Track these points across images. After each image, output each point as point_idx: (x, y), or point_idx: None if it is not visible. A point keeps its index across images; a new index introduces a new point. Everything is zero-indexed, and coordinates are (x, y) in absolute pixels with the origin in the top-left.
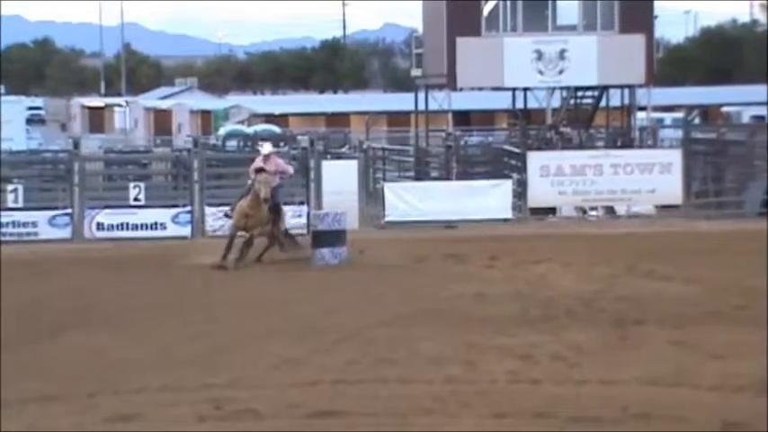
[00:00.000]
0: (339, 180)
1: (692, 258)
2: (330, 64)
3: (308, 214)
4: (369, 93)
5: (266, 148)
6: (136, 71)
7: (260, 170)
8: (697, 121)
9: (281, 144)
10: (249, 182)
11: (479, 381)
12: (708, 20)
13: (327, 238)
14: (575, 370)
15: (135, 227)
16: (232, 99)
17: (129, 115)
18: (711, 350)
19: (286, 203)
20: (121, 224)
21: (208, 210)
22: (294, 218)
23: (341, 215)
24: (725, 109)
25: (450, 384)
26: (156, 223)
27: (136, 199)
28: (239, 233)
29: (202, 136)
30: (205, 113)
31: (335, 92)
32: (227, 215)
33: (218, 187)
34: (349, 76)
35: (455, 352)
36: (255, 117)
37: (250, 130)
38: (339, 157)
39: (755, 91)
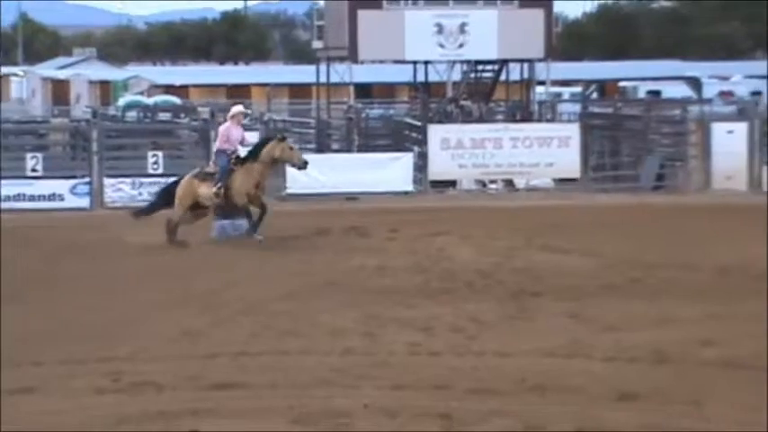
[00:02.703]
0: (240, 152)
1: (589, 231)
2: (231, 35)
3: None
4: (270, 65)
5: (238, 109)
6: (33, 41)
7: (284, 138)
8: (594, 95)
9: (182, 115)
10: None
11: (379, 352)
12: None
13: (228, 210)
14: (473, 342)
15: (32, 198)
16: (131, 70)
17: (26, 85)
18: (606, 322)
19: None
20: (18, 195)
21: (107, 181)
22: None
23: None
24: (621, 84)
25: (349, 356)
26: (53, 194)
27: (33, 170)
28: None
29: (101, 107)
30: (104, 84)
31: (236, 63)
32: (218, 189)
33: (117, 158)
34: (250, 47)
35: (355, 324)
36: (155, 88)
37: (150, 100)
38: None
39: (651, 66)
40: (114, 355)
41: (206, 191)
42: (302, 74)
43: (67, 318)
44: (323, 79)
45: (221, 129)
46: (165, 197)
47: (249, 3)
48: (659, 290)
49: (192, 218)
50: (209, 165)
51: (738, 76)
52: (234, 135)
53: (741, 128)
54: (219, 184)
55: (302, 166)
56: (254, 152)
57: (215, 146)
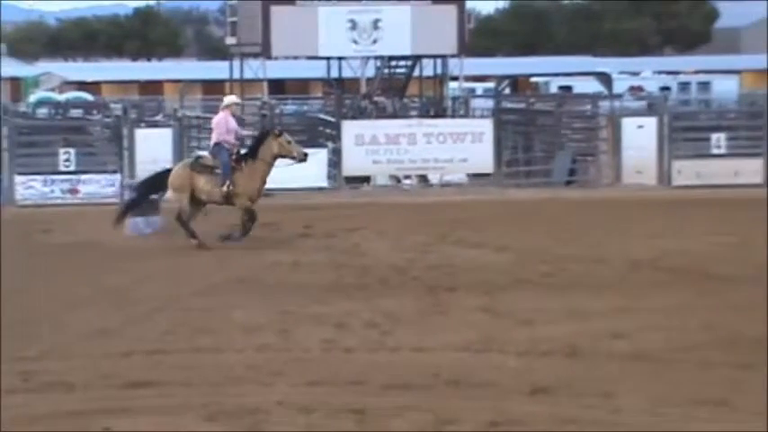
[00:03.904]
0: (153, 149)
1: (502, 226)
2: (143, 31)
3: (122, 183)
4: (183, 61)
5: (232, 99)
6: None
7: (281, 133)
8: (507, 91)
9: (94, 112)
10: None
11: (293, 349)
12: None
13: (141, 207)
14: (388, 337)
15: None
16: (43, 66)
17: None
18: (520, 316)
19: (99, 172)
20: None
21: (18, 178)
22: (107, 187)
23: None
24: (534, 79)
25: (263, 353)
26: None
27: None
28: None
29: (12, 103)
30: (14, 80)
31: (149, 59)
32: (228, 187)
33: (28, 155)
34: (163, 43)
35: (269, 320)
36: (67, 84)
37: (61, 97)
38: (153, 125)
39: (563, 62)
40: (25, 354)
41: (205, 186)
42: (215, 70)
43: None
44: (236, 75)
45: (217, 119)
46: (147, 191)
47: None
48: (571, 284)
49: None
50: (206, 154)
51: (648, 72)
52: (232, 125)
53: (650, 123)
54: (228, 182)
55: (303, 158)
56: (252, 150)
57: (212, 138)
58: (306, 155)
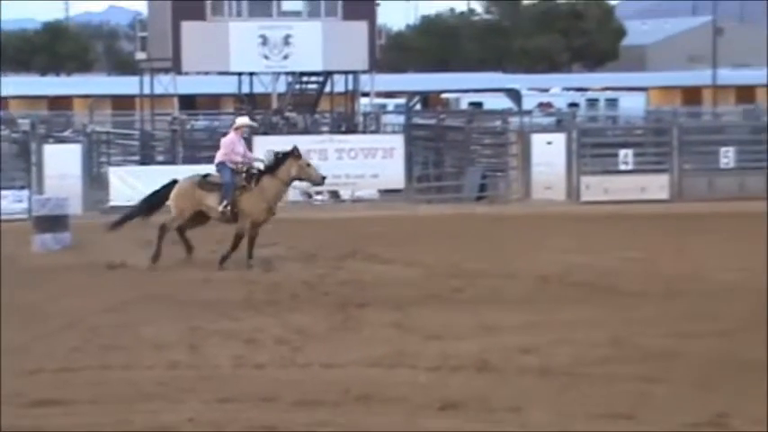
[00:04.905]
0: (62, 164)
1: (413, 242)
2: (52, 46)
3: (30, 199)
4: (92, 76)
5: (244, 121)
6: None
7: (301, 155)
8: (418, 107)
9: (1, 127)
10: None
11: (203, 366)
12: (428, 9)
13: (49, 223)
14: (298, 353)
15: None
16: None
17: None
18: (430, 331)
19: (7, 188)
20: None
21: None
22: (15, 203)
23: (63, 200)
24: (444, 95)
25: (173, 370)
26: None
27: None
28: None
29: None
30: None
31: (58, 74)
32: (225, 207)
33: None
34: (72, 58)
35: (179, 337)
36: None
37: None
38: (62, 140)
39: (473, 78)
40: None
41: (214, 204)
42: (125, 85)
43: None
44: (146, 90)
45: (225, 140)
46: (151, 205)
47: (71, 13)
48: (481, 299)
49: (191, 225)
50: (213, 172)
51: (557, 89)
52: (239, 148)
53: (559, 139)
54: (226, 202)
55: (320, 182)
56: (271, 168)
57: (216, 157)
58: (324, 178)
